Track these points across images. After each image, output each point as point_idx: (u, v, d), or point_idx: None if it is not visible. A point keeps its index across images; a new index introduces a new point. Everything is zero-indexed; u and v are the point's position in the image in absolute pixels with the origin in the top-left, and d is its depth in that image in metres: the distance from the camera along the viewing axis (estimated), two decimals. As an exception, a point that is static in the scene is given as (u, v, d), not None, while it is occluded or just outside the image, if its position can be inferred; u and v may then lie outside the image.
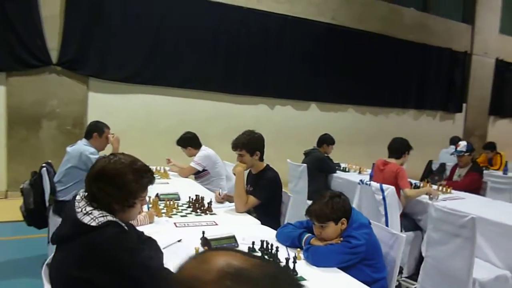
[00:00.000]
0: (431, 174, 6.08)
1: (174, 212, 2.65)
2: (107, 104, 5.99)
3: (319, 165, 4.76)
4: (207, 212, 2.71)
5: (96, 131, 3.59)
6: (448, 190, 4.08)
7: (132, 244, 1.45)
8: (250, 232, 2.33)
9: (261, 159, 2.97)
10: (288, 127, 7.62)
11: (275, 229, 2.33)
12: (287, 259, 1.85)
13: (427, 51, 9.13)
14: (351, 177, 4.78)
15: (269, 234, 2.35)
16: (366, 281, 1.90)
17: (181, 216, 2.62)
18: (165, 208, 2.67)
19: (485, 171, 4.94)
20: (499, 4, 10.15)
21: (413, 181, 4.18)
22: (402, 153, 3.85)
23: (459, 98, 9.88)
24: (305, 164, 4.62)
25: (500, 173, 5.59)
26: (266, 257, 1.99)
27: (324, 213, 2.00)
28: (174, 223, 2.43)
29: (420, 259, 3.72)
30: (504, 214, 3.29)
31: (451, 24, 9.55)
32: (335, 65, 7.88)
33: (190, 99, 6.69)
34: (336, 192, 2.12)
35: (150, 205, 2.62)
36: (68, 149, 3.52)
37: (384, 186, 3.62)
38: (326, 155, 4.93)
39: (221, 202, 3.00)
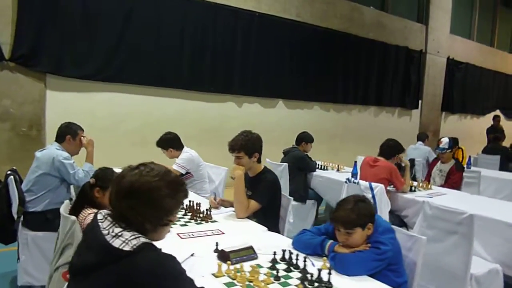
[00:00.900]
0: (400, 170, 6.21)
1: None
2: (67, 103, 5.53)
3: (299, 164, 4.69)
4: (207, 219, 2.52)
5: (69, 134, 3.25)
6: (429, 186, 4.16)
7: (175, 268, 1.25)
8: (262, 240, 2.18)
9: (259, 161, 2.82)
10: (256, 124, 7.44)
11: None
12: (320, 270, 1.72)
13: (386, 49, 9.39)
14: (331, 175, 4.76)
15: (281, 241, 2.22)
16: (390, 286, 1.83)
17: (181, 225, 2.41)
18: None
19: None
20: (449, 6, 10.67)
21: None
22: (393, 155, 3.86)
23: (415, 95, 10.27)
24: (285, 164, 4.53)
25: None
26: (292, 268, 1.85)
27: (351, 219, 1.89)
28: (178, 235, 2.22)
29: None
30: (488, 208, 3.37)
31: (407, 23, 9.89)
32: (301, 62, 7.87)
33: (156, 97, 6.36)
34: (359, 196, 2.02)
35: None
36: (38, 154, 3.16)
37: (374, 184, 3.61)
38: (305, 153, 4.86)
39: (217, 208, 2.82)
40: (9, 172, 3.03)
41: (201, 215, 2.54)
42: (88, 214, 2.08)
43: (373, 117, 9.63)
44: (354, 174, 4.39)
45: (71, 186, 3.34)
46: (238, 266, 1.75)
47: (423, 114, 10.65)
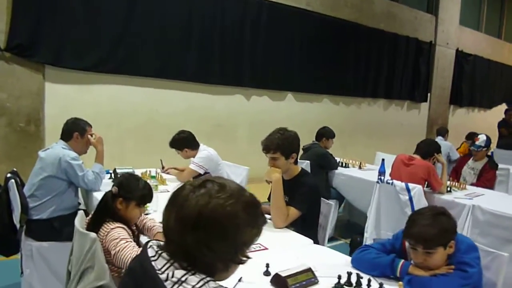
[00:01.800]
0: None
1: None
2: (68, 97, 5.15)
3: (321, 161, 4.36)
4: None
5: (77, 130, 2.89)
6: (462, 185, 3.86)
7: None
8: (313, 257, 1.86)
9: (295, 162, 2.49)
10: (265, 118, 7.16)
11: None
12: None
13: (396, 41, 9.06)
14: (353, 173, 4.45)
15: (337, 259, 1.90)
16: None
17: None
18: None
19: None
20: (459, -4, 10.35)
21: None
22: (431, 154, 3.54)
23: (425, 87, 9.97)
24: (308, 161, 4.20)
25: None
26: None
27: (432, 236, 1.57)
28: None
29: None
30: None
31: (417, 14, 9.56)
32: (311, 53, 7.52)
33: (161, 90, 6.00)
34: (437, 207, 1.70)
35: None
36: (42, 154, 2.80)
37: (411, 185, 3.30)
38: (326, 150, 4.54)
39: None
40: (9, 175, 2.68)
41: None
42: (110, 230, 1.74)
43: (383, 110, 9.32)
44: (381, 173, 4.08)
45: (79, 190, 3.01)
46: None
47: (432, 108, 10.37)
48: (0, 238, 2.64)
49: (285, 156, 2.39)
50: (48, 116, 4.99)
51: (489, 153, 4.37)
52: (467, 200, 3.36)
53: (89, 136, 2.97)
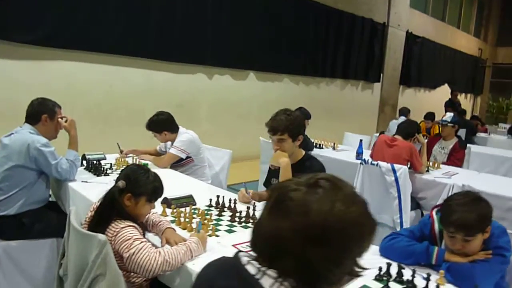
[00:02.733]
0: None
1: (211, 226, 1.91)
2: (13, 74, 4.58)
3: (297, 143, 4.26)
4: (250, 220, 2.03)
5: (46, 112, 2.54)
6: (437, 165, 3.96)
7: None
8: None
9: (300, 145, 2.36)
10: (227, 98, 6.97)
11: None
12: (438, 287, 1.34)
13: (353, 21, 9.13)
14: (330, 154, 4.41)
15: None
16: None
17: (227, 231, 1.90)
18: (193, 221, 1.93)
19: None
20: (410, -21, 10.62)
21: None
22: (412, 135, 3.57)
23: (378, 68, 10.22)
24: (285, 143, 4.08)
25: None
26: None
27: (473, 223, 1.52)
28: (235, 246, 1.72)
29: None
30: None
31: (372, -6, 9.68)
32: (272, 32, 7.34)
33: (119, 67, 5.54)
34: (473, 193, 1.64)
35: (199, 222, 1.80)
36: (5, 140, 2.42)
37: (396, 166, 3.31)
38: (302, 131, 4.45)
39: (247, 202, 2.32)
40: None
41: (242, 216, 2.04)
42: (120, 229, 1.50)
43: (339, 90, 9.44)
44: (359, 154, 4.10)
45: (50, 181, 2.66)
46: None
47: (384, 88, 10.68)
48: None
49: (293, 138, 2.26)
50: (-9, 97, 4.43)
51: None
52: (447, 179, 3.45)
53: (59, 119, 2.62)
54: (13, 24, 4.39)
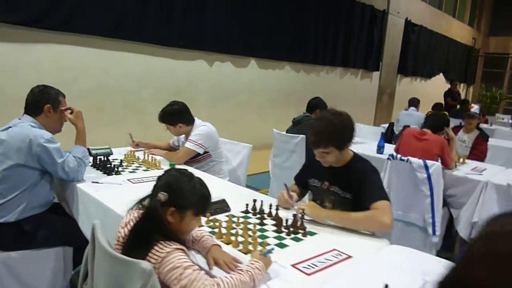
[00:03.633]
0: (394, 137, 5.83)
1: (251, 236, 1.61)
2: (2, 57, 4.16)
3: (313, 135, 3.98)
4: (299, 230, 1.74)
5: (49, 102, 2.18)
6: (461, 160, 3.74)
7: None
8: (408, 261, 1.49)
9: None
10: (227, 85, 6.64)
11: None
12: None
13: (353, 8, 8.84)
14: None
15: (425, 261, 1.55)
16: None
17: (278, 246, 1.60)
18: (232, 231, 1.64)
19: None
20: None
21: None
22: (441, 128, 3.32)
23: (377, 56, 9.98)
24: (302, 136, 3.80)
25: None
26: None
27: None
28: (295, 267, 1.42)
29: (448, 236, 3.39)
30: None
31: (372, -20, 9.39)
32: (274, 19, 7.01)
33: (114, 51, 5.15)
34: None
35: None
36: (1, 135, 2.06)
37: (429, 162, 3.06)
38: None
39: (288, 208, 2.02)
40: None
41: (290, 227, 1.75)
42: (166, 254, 1.19)
43: (339, 78, 9.18)
44: (381, 147, 3.85)
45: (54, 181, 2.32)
46: None
47: (382, 77, 10.47)
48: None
49: (340, 149, 1.93)
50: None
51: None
52: (479, 176, 3.24)
53: (64, 111, 2.27)
54: (-1, 3, 3.96)
